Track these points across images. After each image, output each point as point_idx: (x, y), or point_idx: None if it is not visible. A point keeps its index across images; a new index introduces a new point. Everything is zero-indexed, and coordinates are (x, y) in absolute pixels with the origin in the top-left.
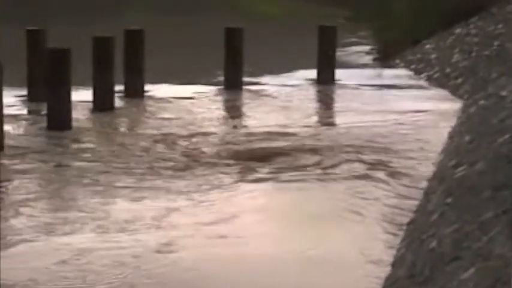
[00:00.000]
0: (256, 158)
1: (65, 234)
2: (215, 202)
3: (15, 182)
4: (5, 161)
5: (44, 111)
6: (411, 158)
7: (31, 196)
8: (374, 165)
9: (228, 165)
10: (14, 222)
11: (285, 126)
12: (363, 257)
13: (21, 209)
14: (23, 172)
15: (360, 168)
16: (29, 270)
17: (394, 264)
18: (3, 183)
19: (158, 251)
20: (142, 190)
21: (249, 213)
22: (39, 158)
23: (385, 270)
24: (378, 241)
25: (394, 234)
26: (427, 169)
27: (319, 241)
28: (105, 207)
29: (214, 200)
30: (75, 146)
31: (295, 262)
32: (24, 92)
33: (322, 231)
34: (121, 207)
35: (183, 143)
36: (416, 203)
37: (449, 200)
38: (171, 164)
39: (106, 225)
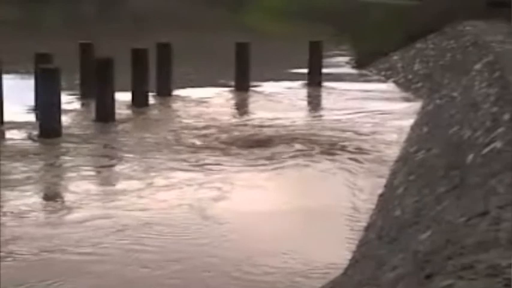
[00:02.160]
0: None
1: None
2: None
3: (71, 159)
4: (64, 144)
5: (93, 106)
6: (387, 140)
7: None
8: (358, 146)
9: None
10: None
11: (280, 118)
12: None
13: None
14: (77, 152)
15: (345, 146)
16: None
17: (367, 228)
18: (66, 157)
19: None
20: (167, 160)
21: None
22: (85, 142)
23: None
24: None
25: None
26: (393, 150)
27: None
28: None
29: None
30: (116, 131)
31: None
32: (77, 91)
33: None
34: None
35: (201, 130)
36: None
37: (411, 178)
38: (192, 143)
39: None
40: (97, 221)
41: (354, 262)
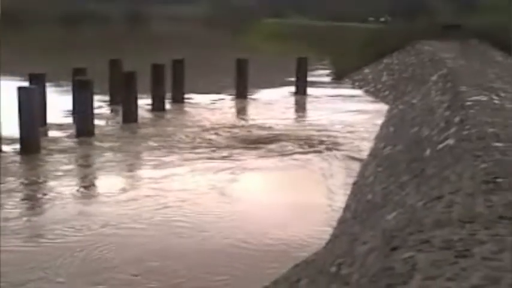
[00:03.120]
0: (254, 142)
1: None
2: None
3: (102, 154)
4: (96, 142)
5: (120, 111)
6: (357, 139)
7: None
8: (337, 143)
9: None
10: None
11: (273, 122)
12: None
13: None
14: (108, 149)
15: (323, 143)
16: None
17: (344, 210)
18: (98, 152)
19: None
20: (182, 154)
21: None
22: (114, 140)
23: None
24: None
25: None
26: (367, 144)
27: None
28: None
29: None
30: (139, 131)
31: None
32: (107, 98)
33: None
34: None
35: (208, 131)
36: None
37: (379, 169)
38: (198, 143)
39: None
40: (143, 199)
41: (333, 238)
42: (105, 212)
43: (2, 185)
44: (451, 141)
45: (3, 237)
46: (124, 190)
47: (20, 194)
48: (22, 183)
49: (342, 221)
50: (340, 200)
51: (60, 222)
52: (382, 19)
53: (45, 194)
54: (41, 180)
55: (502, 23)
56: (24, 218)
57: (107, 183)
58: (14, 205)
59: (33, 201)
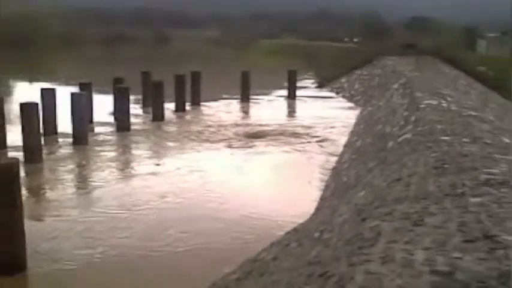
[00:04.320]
0: (255, 135)
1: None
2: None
3: (137, 145)
4: (132, 136)
5: (150, 111)
6: (338, 133)
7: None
8: (320, 137)
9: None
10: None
11: (270, 120)
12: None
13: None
14: (142, 141)
15: (310, 136)
16: None
17: (325, 189)
18: (133, 144)
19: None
20: (201, 142)
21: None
22: (147, 134)
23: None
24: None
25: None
26: (343, 137)
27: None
28: (178, 149)
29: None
30: (164, 127)
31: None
32: (140, 101)
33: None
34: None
35: (218, 128)
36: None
37: (353, 157)
38: (213, 135)
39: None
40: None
41: (317, 211)
42: (161, 183)
43: (63, 167)
44: (408, 135)
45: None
46: (161, 170)
47: (78, 173)
48: (79, 165)
49: (322, 198)
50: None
51: (125, 192)
52: (355, 39)
53: (89, 175)
54: (91, 163)
55: (447, 42)
56: (96, 190)
57: (147, 164)
58: (75, 182)
59: (83, 180)
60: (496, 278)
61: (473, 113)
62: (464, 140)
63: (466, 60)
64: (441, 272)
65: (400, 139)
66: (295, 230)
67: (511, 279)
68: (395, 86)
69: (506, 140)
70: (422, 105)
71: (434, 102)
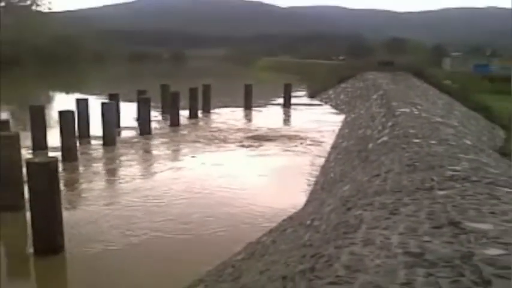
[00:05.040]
0: (257, 137)
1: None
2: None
3: (157, 146)
4: (153, 139)
5: (168, 118)
6: (326, 135)
7: (166, 149)
8: (311, 139)
9: (247, 138)
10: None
11: (268, 125)
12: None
13: (166, 151)
14: (162, 143)
15: (303, 138)
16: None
17: (315, 183)
18: (154, 145)
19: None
20: (206, 146)
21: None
22: (166, 136)
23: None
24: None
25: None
26: (330, 140)
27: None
28: (192, 149)
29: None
30: (180, 131)
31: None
32: (160, 109)
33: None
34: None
35: (225, 131)
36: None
37: (339, 156)
38: (218, 138)
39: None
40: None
41: (308, 202)
42: (183, 177)
43: (95, 165)
44: (385, 138)
45: (125, 194)
46: (179, 166)
47: (109, 169)
48: (109, 163)
49: (313, 191)
50: (312, 174)
51: (152, 185)
52: (341, 57)
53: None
54: (120, 161)
55: (419, 60)
56: (132, 182)
57: (168, 162)
58: (107, 177)
59: (114, 175)
60: (460, 258)
61: (440, 120)
62: (433, 142)
63: (434, 75)
64: (413, 253)
65: (378, 141)
66: (290, 218)
67: (472, 259)
68: (375, 96)
69: (468, 142)
70: (398, 113)
71: (408, 110)
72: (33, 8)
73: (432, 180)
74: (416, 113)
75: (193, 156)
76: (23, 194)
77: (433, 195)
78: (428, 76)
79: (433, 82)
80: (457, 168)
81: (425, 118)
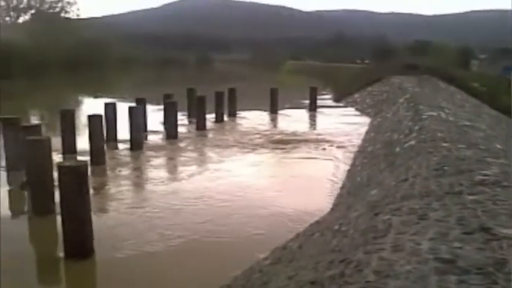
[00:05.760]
0: (283, 141)
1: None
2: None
3: (184, 150)
4: (179, 142)
5: (194, 121)
6: (352, 139)
7: (193, 153)
8: (336, 143)
9: (273, 141)
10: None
11: (294, 129)
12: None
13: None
14: (188, 147)
15: (329, 142)
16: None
17: (342, 188)
18: (181, 149)
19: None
20: (233, 150)
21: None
22: (192, 140)
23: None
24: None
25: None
26: (357, 144)
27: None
28: (218, 153)
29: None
30: (206, 135)
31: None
32: (186, 113)
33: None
34: (223, 154)
35: (251, 135)
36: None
37: (365, 160)
38: (245, 142)
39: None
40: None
41: (335, 206)
42: (210, 180)
43: (123, 168)
44: (412, 142)
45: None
46: (208, 169)
47: (136, 173)
48: (136, 166)
49: (340, 196)
50: (339, 178)
51: (180, 188)
52: (366, 61)
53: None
54: (147, 164)
55: (445, 63)
56: (163, 184)
57: (195, 165)
58: (135, 180)
59: (141, 178)
60: (492, 265)
61: (468, 123)
62: (461, 146)
63: (461, 77)
64: (444, 259)
65: (405, 145)
66: (317, 222)
67: (506, 267)
68: (401, 100)
69: (498, 146)
70: (425, 116)
71: (435, 113)
72: (62, 14)
73: (461, 184)
74: (444, 116)
75: (203, 165)
76: (53, 197)
77: (462, 200)
78: (455, 79)
79: (460, 85)
80: (487, 172)
81: (453, 122)
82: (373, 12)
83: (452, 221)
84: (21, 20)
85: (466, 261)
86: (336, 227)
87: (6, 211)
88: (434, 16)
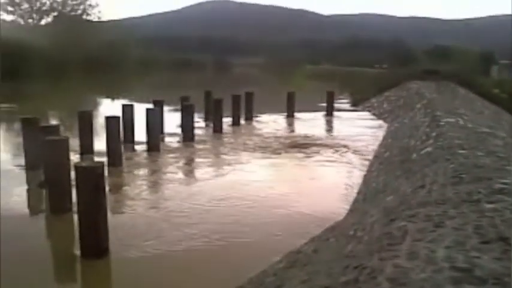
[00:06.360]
0: (299, 145)
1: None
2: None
3: (201, 152)
4: (196, 145)
5: (211, 124)
6: (369, 145)
7: (210, 155)
8: (353, 148)
9: (289, 145)
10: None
11: (311, 133)
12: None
13: (207, 154)
14: (205, 149)
15: (345, 147)
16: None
17: (358, 193)
18: (198, 151)
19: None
20: (249, 153)
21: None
22: (209, 143)
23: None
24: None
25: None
26: (373, 149)
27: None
28: (235, 156)
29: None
30: (223, 138)
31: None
32: (203, 116)
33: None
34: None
35: (268, 139)
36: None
37: (381, 167)
38: (262, 146)
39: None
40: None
41: (350, 212)
42: (229, 182)
43: (140, 169)
44: (429, 149)
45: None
46: (225, 172)
47: (153, 174)
48: (153, 168)
49: (356, 201)
50: (355, 183)
51: (197, 190)
52: (384, 66)
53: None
54: (164, 166)
55: (465, 68)
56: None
57: (212, 167)
58: (151, 181)
59: (158, 179)
60: (510, 275)
61: (487, 130)
62: (479, 153)
63: (481, 83)
64: (461, 268)
65: (422, 151)
66: (332, 227)
67: None
68: (419, 106)
69: None
70: (442, 123)
71: (453, 120)
72: (84, 17)
73: (479, 192)
74: (462, 123)
75: (220, 167)
76: (70, 196)
77: (480, 209)
78: (474, 85)
79: (480, 91)
80: (506, 181)
81: (471, 128)
82: (392, 16)
83: (470, 229)
84: (43, 22)
85: (482, 271)
86: (351, 233)
87: (25, 209)
88: (453, 21)
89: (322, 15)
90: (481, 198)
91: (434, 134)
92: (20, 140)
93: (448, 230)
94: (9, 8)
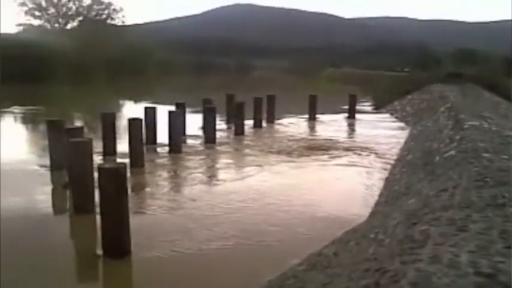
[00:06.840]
0: (321, 148)
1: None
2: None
3: (223, 154)
4: (218, 147)
5: (233, 127)
6: (391, 147)
7: (232, 157)
8: (375, 150)
9: (311, 148)
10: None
11: (332, 136)
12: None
13: (229, 156)
14: (227, 151)
15: (368, 149)
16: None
17: (379, 196)
18: (220, 153)
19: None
20: (271, 156)
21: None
22: (231, 145)
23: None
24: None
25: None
26: (395, 152)
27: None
28: (258, 157)
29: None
30: (245, 140)
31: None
32: (225, 119)
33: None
34: (262, 160)
35: (290, 142)
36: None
37: (403, 169)
38: (284, 148)
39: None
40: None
41: (372, 214)
42: (252, 184)
43: (162, 171)
44: (453, 152)
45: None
46: (248, 175)
47: (175, 175)
48: (175, 169)
49: (377, 204)
50: (377, 186)
51: (220, 190)
52: (406, 69)
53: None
54: (185, 167)
55: (489, 71)
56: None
57: (233, 168)
58: (173, 182)
59: (180, 180)
60: None
61: None
62: (504, 156)
63: (506, 86)
64: (485, 273)
65: (445, 155)
66: (353, 229)
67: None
68: (442, 109)
69: None
70: (466, 126)
71: (477, 123)
72: (108, 21)
73: (504, 197)
74: (486, 126)
75: (242, 169)
76: (93, 197)
77: (505, 213)
78: (499, 88)
79: (505, 94)
80: None
81: (496, 132)
82: (413, 19)
83: (494, 234)
84: (69, 26)
85: (507, 277)
86: (372, 235)
87: (49, 209)
88: (479, 23)
89: (343, 19)
90: (506, 202)
91: (458, 137)
92: (46, 141)
93: (472, 234)
94: (37, 13)
